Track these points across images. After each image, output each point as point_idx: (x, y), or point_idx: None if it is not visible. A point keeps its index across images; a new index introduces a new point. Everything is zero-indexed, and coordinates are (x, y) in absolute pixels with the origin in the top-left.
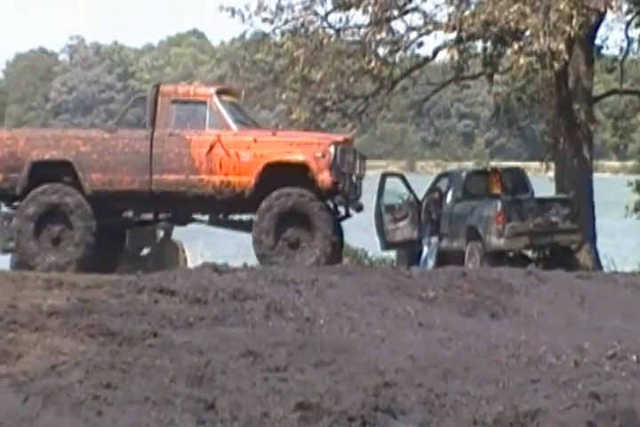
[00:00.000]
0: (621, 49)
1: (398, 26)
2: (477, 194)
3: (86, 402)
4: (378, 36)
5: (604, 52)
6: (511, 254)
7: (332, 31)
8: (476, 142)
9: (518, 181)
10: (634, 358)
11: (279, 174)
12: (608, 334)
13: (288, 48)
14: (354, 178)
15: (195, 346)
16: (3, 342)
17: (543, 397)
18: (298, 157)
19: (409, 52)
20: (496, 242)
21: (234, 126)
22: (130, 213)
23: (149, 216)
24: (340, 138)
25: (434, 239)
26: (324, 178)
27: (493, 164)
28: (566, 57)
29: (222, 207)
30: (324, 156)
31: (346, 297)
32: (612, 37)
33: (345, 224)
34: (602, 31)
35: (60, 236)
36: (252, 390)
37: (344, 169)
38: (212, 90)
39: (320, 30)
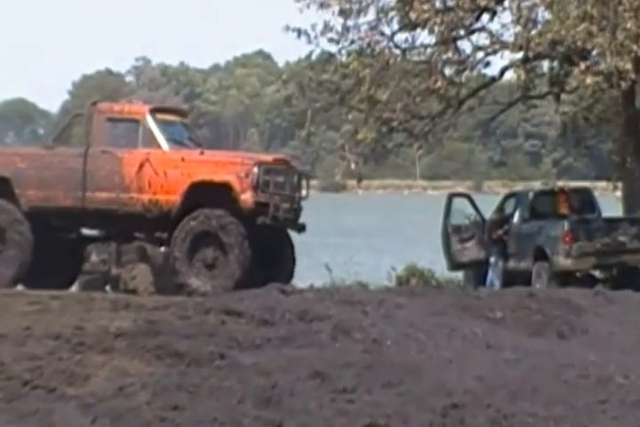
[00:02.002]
0: None
1: (465, 45)
2: (545, 214)
3: (154, 423)
4: (444, 56)
5: None
6: (578, 275)
7: (398, 51)
8: (543, 162)
9: (586, 201)
10: None
11: (204, 194)
12: None
13: (354, 68)
14: (289, 198)
15: (262, 367)
16: (71, 364)
17: (611, 418)
18: (222, 176)
19: (475, 72)
20: (563, 262)
21: (165, 145)
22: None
23: (93, 233)
24: (267, 158)
25: (497, 260)
26: (247, 198)
27: (560, 184)
28: (633, 76)
29: (152, 226)
30: (247, 176)
31: (413, 318)
32: None
33: (415, 244)
34: None
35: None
36: (319, 412)
37: (270, 190)
38: (146, 108)
39: (386, 50)
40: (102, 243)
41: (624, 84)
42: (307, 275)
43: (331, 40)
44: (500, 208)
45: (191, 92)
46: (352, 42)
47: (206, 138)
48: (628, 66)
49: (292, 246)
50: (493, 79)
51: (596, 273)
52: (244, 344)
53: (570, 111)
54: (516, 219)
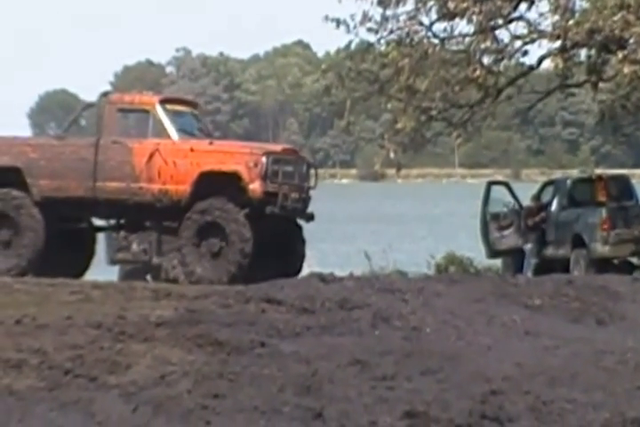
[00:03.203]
0: None
1: (503, 35)
2: (583, 202)
3: (195, 411)
4: (482, 45)
5: None
6: (616, 261)
7: (436, 40)
8: (581, 150)
9: (623, 189)
10: None
11: (213, 184)
12: None
13: (393, 58)
14: (298, 188)
15: (302, 355)
16: (112, 353)
17: None
18: (231, 166)
19: (513, 61)
20: (601, 249)
21: (174, 135)
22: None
23: (104, 223)
24: (276, 148)
25: (529, 247)
26: (256, 188)
27: (598, 171)
28: None
29: (162, 215)
30: (255, 165)
31: (452, 305)
32: None
33: (454, 232)
34: None
35: (10, 240)
36: (359, 399)
37: (279, 179)
38: (156, 99)
39: (425, 40)
40: (143, 232)
41: None
42: (346, 263)
43: (369, 30)
44: (538, 196)
45: (231, 83)
46: (391, 31)
47: (245, 128)
48: None
49: (301, 236)
50: (531, 68)
51: (634, 260)
52: (284, 333)
53: (607, 99)
54: (554, 206)
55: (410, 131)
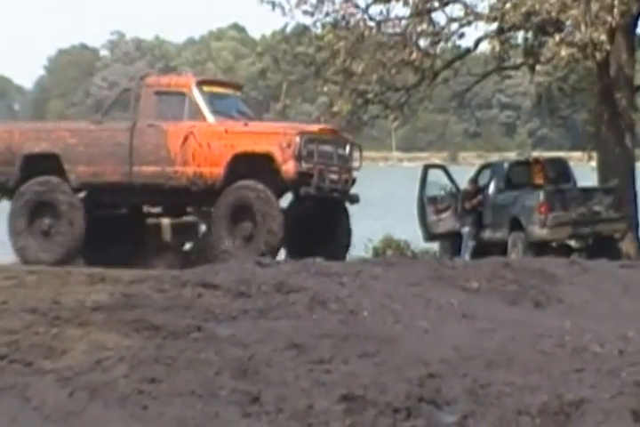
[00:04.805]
0: None
1: (439, 17)
2: (520, 184)
3: (131, 396)
4: (419, 28)
5: None
6: (554, 244)
7: (372, 23)
8: (518, 133)
9: (561, 171)
10: None
11: (247, 165)
12: None
13: (329, 41)
14: (338, 168)
15: (239, 339)
16: (47, 338)
17: (588, 386)
18: (264, 147)
19: (450, 44)
20: (539, 232)
21: (210, 117)
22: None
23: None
24: (312, 128)
25: (467, 230)
26: (289, 168)
27: (535, 154)
28: (608, 47)
29: (197, 199)
30: (289, 146)
31: (389, 289)
32: None
33: (391, 216)
34: None
35: (50, 229)
36: (296, 383)
37: (314, 160)
38: (193, 80)
39: (361, 22)
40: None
41: (599, 55)
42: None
43: (305, 12)
44: (475, 179)
45: (166, 66)
46: (327, 14)
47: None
48: (603, 37)
49: (345, 221)
50: (468, 50)
51: (572, 243)
52: (220, 317)
53: (544, 82)
54: (491, 189)
55: (346, 114)
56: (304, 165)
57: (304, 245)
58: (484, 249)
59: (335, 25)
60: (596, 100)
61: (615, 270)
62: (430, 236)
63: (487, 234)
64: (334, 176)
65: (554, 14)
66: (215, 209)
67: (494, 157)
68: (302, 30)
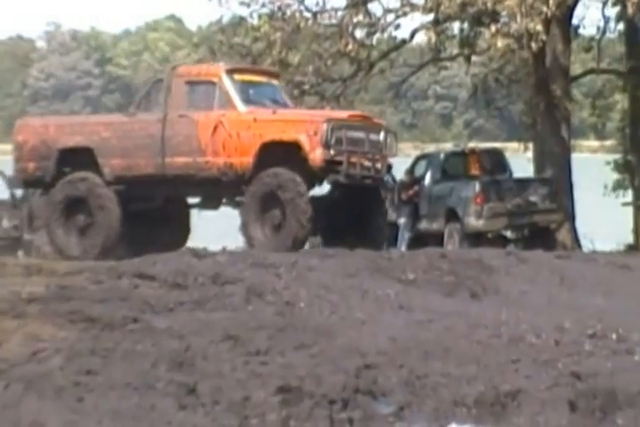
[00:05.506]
0: (598, 28)
1: (375, 8)
2: (456, 175)
3: (67, 388)
4: (355, 19)
5: (581, 31)
6: (490, 235)
7: (309, 14)
8: (454, 124)
9: (497, 162)
10: (614, 336)
11: (276, 154)
12: (588, 313)
13: (265, 32)
14: (370, 156)
15: (175, 331)
16: None
17: (524, 376)
18: (291, 135)
19: (386, 35)
20: (475, 223)
21: (240, 106)
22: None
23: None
24: (341, 115)
25: (403, 221)
26: (316, 156)
27: (471, 145)
28: (544, 37)
29: (229, 189)
30: (316, 133)
31: (326, 280)
32: (588, 17)
33: None
34: (579, 11)
35: (86, 224)
36: (232, 374)
37: (343, 147)
38: (223, 69)
39: (297, 13)
40: (14, 209)
41: (534, 46)
42: (221, 238)
43: (242, 3)
44: (411, 170)
45: (102, 57)
46: (263, 5)
47: (117, 102)
48: (539, 27)
49: (381, 208)
50: (404, 41)
51: (508, 233)
52: (156, 308)
53: (480, 73)
54: (427, 180)
55: None
56: (332, 153)
57: (340, 233)
58: (420, 240)
59: (271, 16)
60: (531, 90)
61: (551, 261)
62: None
63: (423, 225)
64: (367, 163)
65: (489, 5)
66: (245, 198)
67: (431, 148)
68: (238, 21)
